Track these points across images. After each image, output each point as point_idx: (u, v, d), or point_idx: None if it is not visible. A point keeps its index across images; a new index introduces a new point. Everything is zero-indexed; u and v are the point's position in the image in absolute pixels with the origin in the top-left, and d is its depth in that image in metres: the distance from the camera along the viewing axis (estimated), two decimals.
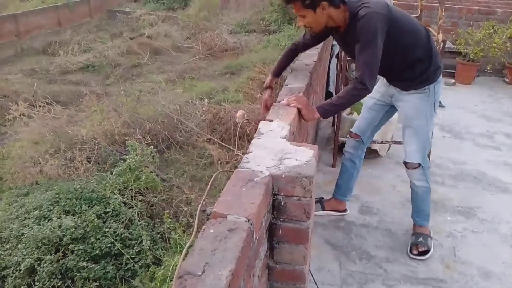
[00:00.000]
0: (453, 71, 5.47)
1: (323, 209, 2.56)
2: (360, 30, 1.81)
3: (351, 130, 2.46)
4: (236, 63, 7.36)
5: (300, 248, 1.33)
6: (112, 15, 11.55)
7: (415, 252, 2.26)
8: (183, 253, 0.93)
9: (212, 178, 1.31)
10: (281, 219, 1.31)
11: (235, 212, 1.06)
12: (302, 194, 1.26)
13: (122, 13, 11.39)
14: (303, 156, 1.36)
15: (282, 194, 1.27)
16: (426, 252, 2.27)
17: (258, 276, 1.22)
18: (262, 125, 1.62)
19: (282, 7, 8.56)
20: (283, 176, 1.26)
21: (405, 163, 2.24)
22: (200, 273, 0.87)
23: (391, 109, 2.33)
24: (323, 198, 2.62)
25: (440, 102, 4.54)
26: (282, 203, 1.28)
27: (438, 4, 3.16)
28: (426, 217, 2.35)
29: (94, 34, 10.05)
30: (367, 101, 2.37)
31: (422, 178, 2.22)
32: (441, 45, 3.08)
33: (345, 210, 2.59)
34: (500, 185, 3.04)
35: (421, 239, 2.29)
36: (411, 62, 2.03)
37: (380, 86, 2.30)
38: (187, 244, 0.95)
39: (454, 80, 5.37)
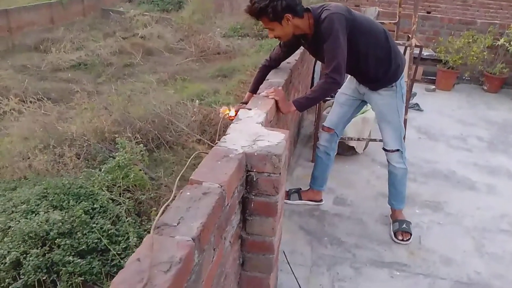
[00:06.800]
0: (433, 77, 5.71)
1: (300, 199, 2.73)
2: (324, 31, 1.99)
3: (324, 124, 2.65)
4: (228, 66, 7.46)
5: (270, 220, 1.49)
6: (106, 14, 11.65)
7: (400, 237, 2.47)
8: (161, 210, 1.07)
9: (191, 158, 1.46)
10: (253, 194, 1.46)
11: (209, 179, 1.21)
12: (272, 171, 1.42)
13: (115, 12, 11.49)
14: (275, 138, 1.53)
15: (254, 170, 1.43)
16: (409, 238, 2.48)
17: (230, 242, 1.37)
18: (241, 113, 1.79)
19: None
20: (255, 154, 1.41)
21: (385, 150, 2.48)
22: (176, 224, 1.02)
23: (362, 103, 2.54)
24: (300, 188, 2.78)
25: (419, 106, 4.78)
26: (254, 179, 1.44)
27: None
28: (403, 199, 2.58)
29: (87, 32, 10.12)
30: (339, 97, 2.56)
31: (401, 161, 2.47)
32: (412, 50, 3.26)
33: (321, 200, 2.76)
34: (468, 183, 3.24)
35: (404, 225, 2.51)
36: (373, 62, 2.20)
37: (351, 83, 2.49)
38: (166, 203, 1.09)
39: (434, 86, 5.59)
